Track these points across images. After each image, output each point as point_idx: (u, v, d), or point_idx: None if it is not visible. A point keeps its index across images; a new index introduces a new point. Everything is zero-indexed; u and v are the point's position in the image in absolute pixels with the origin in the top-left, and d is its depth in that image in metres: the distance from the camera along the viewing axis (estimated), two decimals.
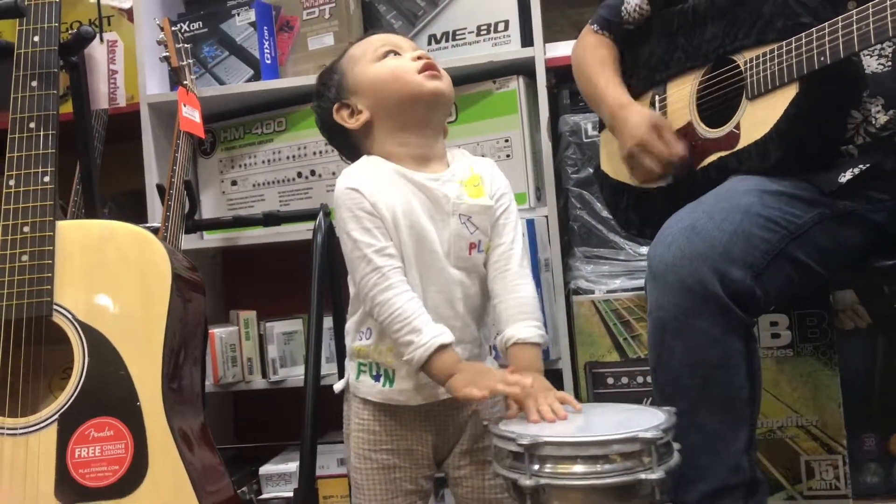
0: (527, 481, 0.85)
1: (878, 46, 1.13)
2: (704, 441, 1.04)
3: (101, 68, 1.31)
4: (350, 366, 1.12)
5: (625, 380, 1.62)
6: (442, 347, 1.00)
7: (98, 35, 1.29)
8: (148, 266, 1.07)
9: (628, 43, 1.42)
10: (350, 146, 1.15)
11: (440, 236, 1.06)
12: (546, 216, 1.68)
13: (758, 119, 1.16)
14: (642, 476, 0.84)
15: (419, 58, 1.08)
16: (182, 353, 1.09)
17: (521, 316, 1.06)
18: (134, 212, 1.87)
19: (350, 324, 1.11)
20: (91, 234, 1.10)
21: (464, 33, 1.78)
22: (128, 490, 0.99)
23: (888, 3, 0.99)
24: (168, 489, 0.99)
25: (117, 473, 1.00)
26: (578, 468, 0.85)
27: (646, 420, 0.91)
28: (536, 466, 0.86)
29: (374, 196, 1.04)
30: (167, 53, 1.69)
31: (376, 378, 1.08)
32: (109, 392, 1.03)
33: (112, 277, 1.07)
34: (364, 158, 1.11)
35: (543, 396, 0.98)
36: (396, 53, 1.10)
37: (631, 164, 1.32)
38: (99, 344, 1.04)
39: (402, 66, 1.08)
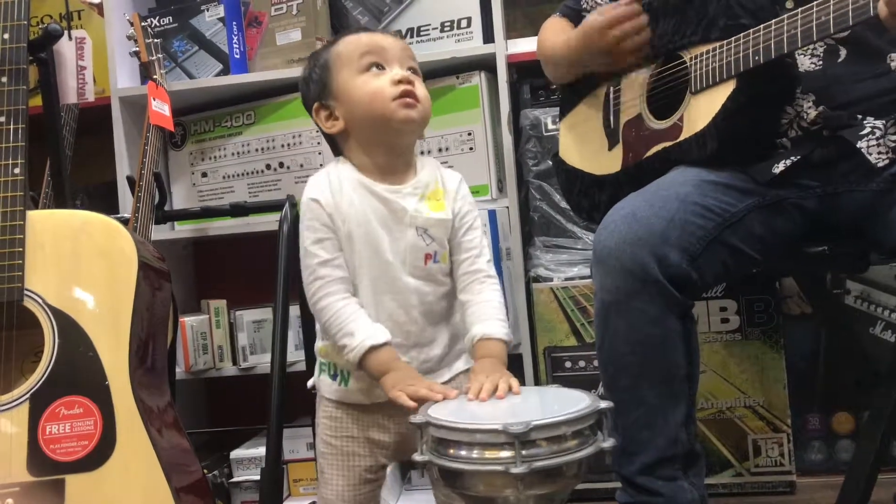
0: (418, 457, 0.90)
1: (811, 47, 1.20)
2: (645, 415, 1.11)
3: (69, 64, 1.35)
4: (317, 363, 1.16)
5: (582, 363, 1.69)
6: (373, 348, 1.05)
7: (66, 32, 1.33)
8: (116, 254, 1.11)
9: None
10: (328, 138, 1.19)
11: (396, 246, 1.10)
12: (507, 207, 1.74)
13: (699, 112, 1.22)
14: (498, 468, 0.84)
15: (400, 81, 1.10)
16: (149, 336, 1.14)
17: (487, 316, 1.10)
18: (105, 203, 1.90)
19: (318, 324, 1.15)
20: (61, 223, 1.14)
21: (428, 29, 1.83)
22: (97, 464, 1.03)
23: (814, 9, 1.06)
24: (135, 461, 1.03)
25: (86, 448, 1.04)
26: (453, 451, 0.87)
27: (550, 410, 0.90)
28: (427, 444, 0.91)
29: (332, 207, 1.09)
30: (137, 48, 1.73)
31: (333, 377, 1.13)
32: (79, 372, 1.07)
33: (81, 264, 1.11)
34: (332, 165, 1.15)
35: (492, 380, 1.02)
36: (381, 66, 1.11)
37: (618, 52, 1.32)
38: (69, 327, 1.08)
39: (380, 91, 1.09)
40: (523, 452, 0.83)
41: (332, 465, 1.13)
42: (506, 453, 0.84)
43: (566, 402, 0.95)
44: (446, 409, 0.96)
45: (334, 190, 1.10)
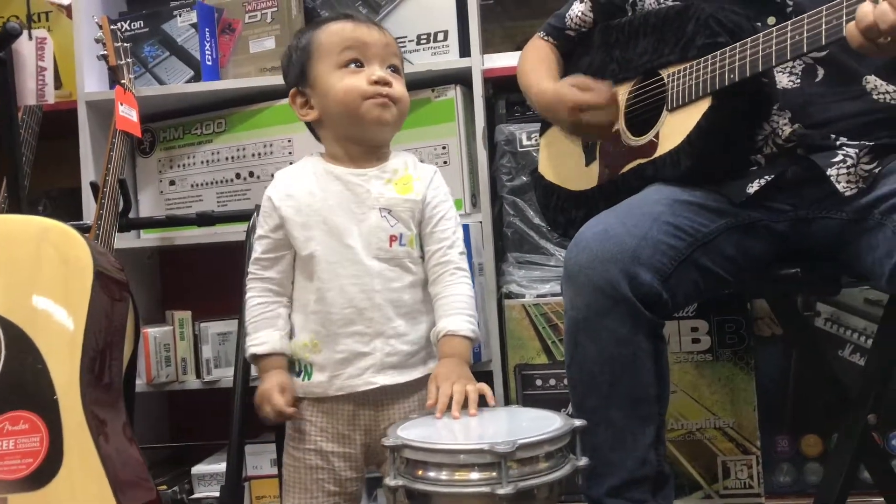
0: (390, 481, 0.87)
1: (790, 65, 1.20)
2: (613, 436, 1.09)
3: (28, 65, 1.31)
4: None
5: (552, 381, 1.67)
6: (255, 356, 1.13)
7: (25, 31, 1.29)
8: (70, 262, 1.06)
9: (572, 53, 1.46)
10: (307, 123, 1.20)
11: (359, 229, 1.10)
12: (481, 222, 1.73)
13: (674, 129, 1.22)
14: (484, 489, 0.82)
15: (377, 82, 1.10)
16: (104, 349, 1.09)
17: (454, 311, 1.10)
18: (69, 209, 1.86)
19: None
20: (12, 228, 1.10)
21: (404, 42, 1.81)
22: (41, 482, 0.99)
23: (789, 28, 1.06)
24: (82, 481, 0.98)
25: (31, 466, 0.99)
26: (431, 473, 0.85)
27: (528, 430, 0.88)
28: (401, 467, 0.88)
29: (282, 202, 1.12)
30: (105, 52, 1.69)
31: (298, 373, 1.13)
32: (26, 386, 1.03)
33: (32, 272, 1.06)
34: (303, 160, 1.17)
35: (458, 390, 1.01)
36: (360, 63, 1.12)
37: (580, 131, 1.35)
38: (16, 338, 1.03)
39: (354, 90, 1.10)
40: (510, 472, 0.81)
41: (293, 477, 1.12)
42: (488, 474, 0.82)
43: (535, 421, 0.94)
44: (415, 430, 0.93)
45: (292, 182, 1.12)
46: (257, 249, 1.14)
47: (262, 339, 1.12)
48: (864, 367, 1.44)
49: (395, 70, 1.14)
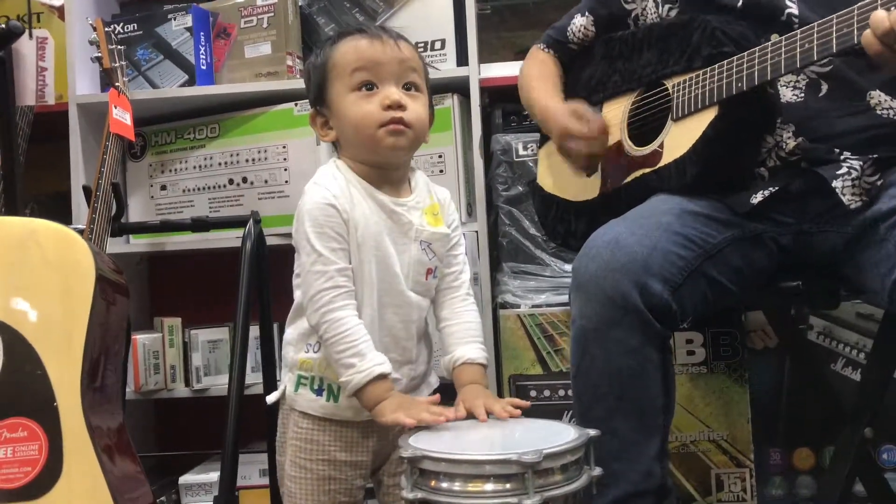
0: (408, 493, 0.86)
1: (793, 79, 1.21)
2: (619, 447, 1.08)
3: (28, 65, 1.28)
4: (288, 377, 1.11)
5: (547, 392, 1.66)
6: (381, 376, 1.02)
7: (27, 31, 1.26)
8: (71, 266, 1.04)
9: (573, 64, 1.47)
10: None
11: (401, 260, 1.09)
12: (476, 231, 1.72)
13: (680, 138, 1.22)
14: (511, 500, 0.81)
15: (390, 106, 1.06)
16: (103, 355, 1.07)
17: (469, 339, 1.12)
18: (57, 213, 1.82)
19: (294, 335, 1.11)
20: (11, 231, 1.07)
21: None
22: (40, 492, 0.96)
23: (797, 37, 1.07)
24: (83, 491, 0.96)
25: (29, 475, 0.97)
26: (452, 484, 0.83)
27: (542, 440, 0.87)
28: (418, 478, 0.86)
29: (348, 213, 1.06)
30: (99, 54, 1.67)
31: (318, 392, 1.09)
32: (25, 392, 1.00)
33: (32, 276, 1.04)
34: (333, 167, 1.11)
35: (494, 401, 1.03)
36: (372, 86, 1.07)
37: (565, 156, 1.36)
38: (16, 343, 1.01)
39: (368, 117, 1.06)
40: (536, 482, 0.81)
41: (304, 489, 1.09)
42: (510, 485, 0.81)
43: (541, 430, 0.94)
44: (429, 440, 0.92)
45: (347, 196, 1.07)
46: (338, 262, 1.04)
47: (380, 358, 1.03)
48: (861, 381, 1.46)
49: (413, 87, 1.09)
